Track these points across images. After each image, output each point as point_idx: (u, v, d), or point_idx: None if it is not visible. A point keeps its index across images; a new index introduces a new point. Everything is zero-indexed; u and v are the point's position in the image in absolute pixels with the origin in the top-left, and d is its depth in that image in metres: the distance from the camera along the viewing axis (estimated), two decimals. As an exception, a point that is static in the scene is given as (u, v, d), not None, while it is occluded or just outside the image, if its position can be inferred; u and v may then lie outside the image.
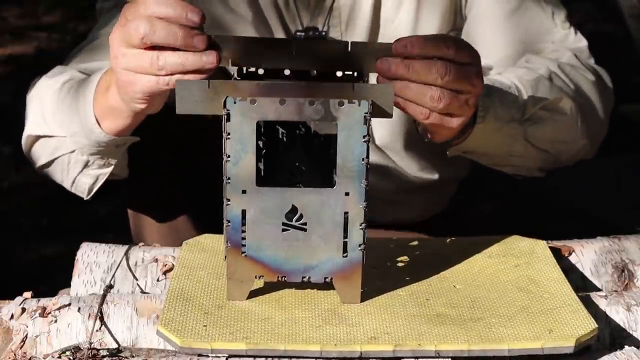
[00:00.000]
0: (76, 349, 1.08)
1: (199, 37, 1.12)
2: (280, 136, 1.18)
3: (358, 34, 1.53)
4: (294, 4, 1.53)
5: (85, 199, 1.47)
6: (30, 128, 1.44)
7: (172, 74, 1.13)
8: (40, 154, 1.45)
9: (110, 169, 1.42)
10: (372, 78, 1.20)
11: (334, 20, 1.53)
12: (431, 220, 1.72)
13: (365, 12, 1.52)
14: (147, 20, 1.12)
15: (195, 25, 1.12)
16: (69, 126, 1.38)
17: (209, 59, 1.12)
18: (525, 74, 1.46)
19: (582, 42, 1.58)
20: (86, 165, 1.42)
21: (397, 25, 1.53)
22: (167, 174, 1.54)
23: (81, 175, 1.43)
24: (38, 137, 1.44)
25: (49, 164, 1.45)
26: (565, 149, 1.52)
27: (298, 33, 1.52)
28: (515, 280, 1.18)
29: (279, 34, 1.52)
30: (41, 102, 1.43)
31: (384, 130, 1.58)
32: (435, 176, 1.64)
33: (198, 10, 1.13)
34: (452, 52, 1.16)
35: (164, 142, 1.49)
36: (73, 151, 1.40)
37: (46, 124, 1.42)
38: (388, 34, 1.54)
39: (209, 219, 1.52)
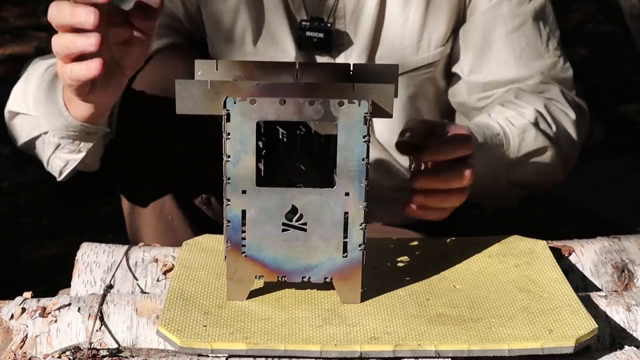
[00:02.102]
0: (76, 349, 1.08)
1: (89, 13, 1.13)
2: (280, 136, 1.18)
3: (362, 27, 1.54)
4: None
5: (57, 180, 1.49)
6: (11, 103, 1.48)
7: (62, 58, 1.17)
8: (20, 132, 1.48)
9: (80, 155, 1.44)
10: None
11: (338, 12, 1.54)
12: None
13: (371, 7, 1.53)
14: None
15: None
16: (43, 106, 1.40)
17: (90, 41, 1.13)
18: (513, 118, 1.51)
19: (569, 72, 1.62)
20: (57, 147, 1.43)
21: (403, 23, 1.54)
22: (162, 176, 1.54)
23: (53, 157, 1.45)
24: (17, 114, 1.47)
25: (30, 142, 1.47)
26: (543, 183, 1.59)
27: (303, 22, 1.53)
28: (515, 280, 1.18)
29: (284, 21, 1.52)
30: (27, 81, 1.46)
31: (384, 127, 1.59)
32: None
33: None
34: (470, 151, 1.29)
35: (159, 144, 1.49)
36: (47, 132, 1.42)
37: (25, 102, 1.45)
38: (393, 31, 1.55)
39: (205, 221, 1.53)
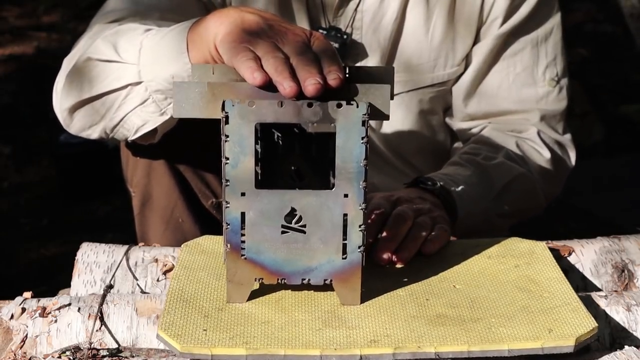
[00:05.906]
0: (76, 349, 1.08)
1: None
2: (277, 139, 1.18)
3: (379, 40, 1.55)
4: (321, 0, 1.54)
5: (128, 140, 1.40)
6: (91, 52, 1.37)
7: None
8: (95, 82, 1.37)
9: (162, 119, 1.34)
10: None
11: (356, 23, 1.55)
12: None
13: (389, 21, 1.55)
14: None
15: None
16: (155, 52, 1.30)
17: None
18: (489, 152, 1.54)
19: (561, 104, 1.62)
20: (143, 102, 1.33)
21: (422, 40, 1.56)
22: (175, 176, 1.54)
23: (133, 113, 1.35)
24: (99, 62, 1.36)
25: (104, 95, 1.36)
26: (526, 211, 1.62)
27: (321, 30, 1.53)
28: (515, 280, 1.18)
29: (306, 26, 1.53)
30: (118, 34, 1.35)
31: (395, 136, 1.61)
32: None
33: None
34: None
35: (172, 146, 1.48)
36: (138, 84, 1.32)
37: (115, 50, 1.34)
38: (411, 47, 1.57)
39: (214, 226, 1.52)
